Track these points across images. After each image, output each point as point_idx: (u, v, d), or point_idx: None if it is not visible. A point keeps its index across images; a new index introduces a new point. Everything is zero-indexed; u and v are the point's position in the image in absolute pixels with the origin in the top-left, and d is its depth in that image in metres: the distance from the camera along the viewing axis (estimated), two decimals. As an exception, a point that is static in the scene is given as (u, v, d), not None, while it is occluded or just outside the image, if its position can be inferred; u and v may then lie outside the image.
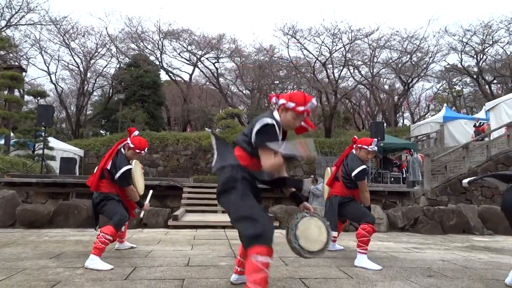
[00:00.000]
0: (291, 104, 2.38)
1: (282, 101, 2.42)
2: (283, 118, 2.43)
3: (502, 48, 25.40)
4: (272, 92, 30.24)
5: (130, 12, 42.88)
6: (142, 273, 3.27)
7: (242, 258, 2.79)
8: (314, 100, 2.42)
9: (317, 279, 3.20)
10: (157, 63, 27.74)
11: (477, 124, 17.17)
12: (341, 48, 24.28)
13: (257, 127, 2.30)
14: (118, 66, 28.09)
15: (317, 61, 25.19)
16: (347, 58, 24.85)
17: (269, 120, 2.30)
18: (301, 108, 2.37)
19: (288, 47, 25.06)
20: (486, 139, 14.03)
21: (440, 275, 3.54)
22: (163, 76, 31.68)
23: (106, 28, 25.57)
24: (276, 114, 2.45)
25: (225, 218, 7.72)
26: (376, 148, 4.19)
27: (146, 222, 7.04)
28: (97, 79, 27.98)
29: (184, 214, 8.15)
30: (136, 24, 25.45)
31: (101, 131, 32.69)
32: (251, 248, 2.08)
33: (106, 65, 27.59)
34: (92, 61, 26.26)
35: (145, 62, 26.66)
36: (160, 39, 25.87)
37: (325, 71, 25.68)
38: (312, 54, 25.10)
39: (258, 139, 2.30)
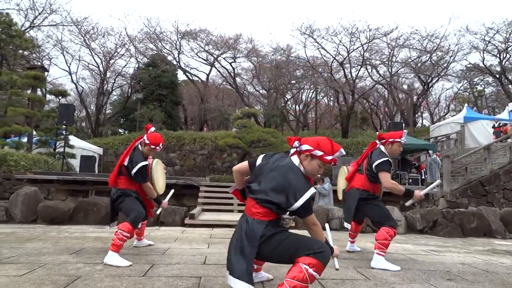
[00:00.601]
0: (319, 153, 2.32)
1: (306, 147, 2.35)
2: (307, 165, 2.36)
3: (527, 46, 24.67)
4: (289, 93, 30.33)
5: (148, 13, 43.67)
6: (160, 270, 3.31)
7: None
8: (342, 150, 2.38)
9: (334, 280, 3.17)
10: (175, 63, 28.07)
11: (496, 125, 16.72)
12: (359, 47, 24.06)
13: (304, 198, 2.21)
14: (136, 66, 28.57)
15: (334, 60, 25.01)
16: (365, 58, 24.59)
17: (312, 191, 2.24)
18: (329, 158, 2.32)
19: (305, 47, 25.01)
20: (509, 140, 13.65)
21: (460, 279, 3.46)
22: (181, 76, 32.07)
23: (125, 29, 26.16)
24: (296, 159, 2.38)
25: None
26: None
27: (163, 220, 7.12)
28: (116, 79, 28.52)
29: (200, 213, 8.21)
30: (154, 25, 25.85)
31: (120, 130, 33.26)
32: (306, 258, 2.10)
33: (125, 65, 28.13)
34: (112, 61, 26.79)
35: (163, 62, 27.00)
36: (178, 39, 26.16)
37: (342, 71, 25.48)
38: (330, 54, 24.94)
39: (305, 210, 2.27)
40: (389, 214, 4.06)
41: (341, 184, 4.76)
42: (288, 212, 2.33)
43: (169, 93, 28.64)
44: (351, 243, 4.76)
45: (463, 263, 4.31)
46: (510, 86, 26.59)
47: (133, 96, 28.81)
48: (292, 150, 2.42)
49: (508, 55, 25.28)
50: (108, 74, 27.31)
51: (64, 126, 13.09)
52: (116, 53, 26.47)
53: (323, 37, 24.22)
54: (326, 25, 30.35)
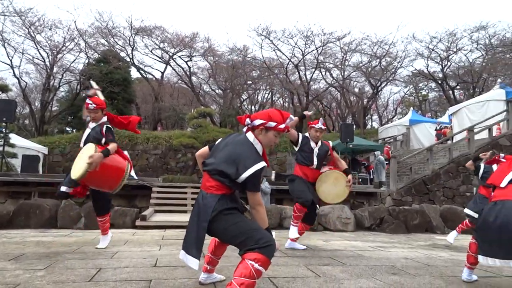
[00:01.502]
0: (272, 124, 2.42)
1: (259, 121, 2.43)
2: (263, 138, 2.45)
3: (465, 55, 26.61)
4: (245, 93, 30.46)
5: (100, 7, 41.77)
6: (107, 274, 3.18)
7: (212, 255, 2.79)
8: (291, 116, 2.49)
9: (285, 278, 3.22)
10: (128, 59, 27.15)
11: (437, 128, 17.86)
12: (313, 50, 24.68)
13: (253, 169, 2.27)
14: (86, 61, 27.22)
15: (290, 62, 25.48)
16: (319, 61, 25.28)
17: (262, 164, 2.31)
18: (282, 126, 2.44)
19: (261, 48, 25.25)
20: (449, 142, 14.63)
21: (404, 273, 3.65)
22: (134, 73, 31.05)
23: (74, 22, 24.74)
24: (250, 136, 2.45)
25: (195, 218, 7.64)
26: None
27: (113, 223, 6.86)
28: (64, 74, 26.98)
29: (152, 214, 8.00)
30: (106, 19, 24.80)
31: (67, 128, 31.53)
32: (251, 253, 2.11)
33: (74, 60, 26.67)
34: (59, 55, 25.32)
35: (115, 58, 25.99)
36: (131, 35, 25.34)
37: (297, 73, 26.01)
38: (285, 56, 25.38)
39: (252, 184, 2.32)
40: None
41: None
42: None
43: (121, 91, 27.59)
44: (291, 241, 4.86)
45: (406, 257, 4.55)
46: (450, 91, 28.50)
47: (83, 93, 27.43)
48: (245, 128, 2.51)
49: (449, 63, 27.11)
50: (55, 69, 25.80)
51: (4, 124, 12.19)
52: (64, 47, 25.05)
53: (279, 39, 24.60)
54: (282, 27, 30.89)
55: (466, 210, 5.70)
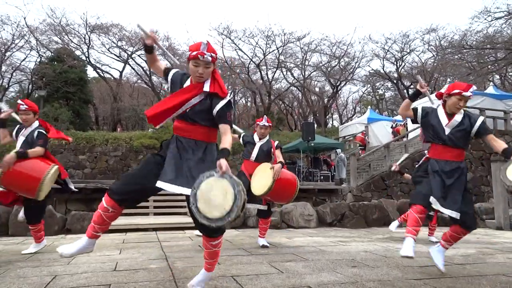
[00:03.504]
0: (188, 54, 2.44)
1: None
2: (188, 68, 2.50)
3: (418, 56, 27.99)
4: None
5: (52, 2, 39.76)
6: (64, 281, 3.05)
7: None
8: (205, 44, 2.41)
9: (248, 276, 3.24)
10: (84, 58, 26.12)
11: (393, 125, 18.63)
12: (274, 50, 24.94)
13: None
14: (38, 60, 25.91)
15: (251, 62, 25.59)
16: (280, 60, 25.57)
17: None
18: (193, 53, 2.38)
19: (222, 47, 25.15)
20: (405, 139, 15.28)
21: (363, 265, 3.78)
22: (91, 73, 29.95)
23: (24, 18, 23.31)
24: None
25: (156, 220, 7.50)
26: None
27: (70, 228, 6.59)
28: (14, 74, 25.52)
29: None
30: (59, 16, 23.69)
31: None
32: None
33: (25, 59, 25.32)
34: (8, 53, 23.89)
35: (70, 57, 24.90)
36: (87, 33, 24.39)
37: (259, 72, 26.18)
38: (247, 55, 25.48)
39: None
40: None
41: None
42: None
43: (77, 91, 26.46)
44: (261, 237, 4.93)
45: (365, 250, 4.72)
46: (405, 91, 29.82)
47: (35, 93, 26.06)
48: None
49: (403, 63, 28.38)
50: (4, 67, 24.30)
51: None
52: (13, 45, 23.68)
53: (240, 39, 24.64)
54: (243, 26, 30.87)
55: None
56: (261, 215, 4.91)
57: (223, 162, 2.17)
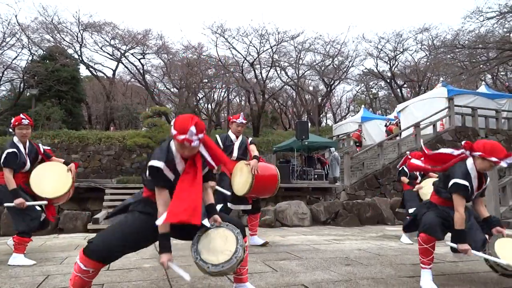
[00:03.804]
0: (173, 132, 2.13)
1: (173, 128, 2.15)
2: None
3: (411, 55, 28.17)
4: (201, 91, 30.12)
5: (44, 0, 39.38)
6: (56, 281, 3.03)
7: None
8: (193, 129, 2.07)
9: (242, 275, 3.23)
10: (76, 56, 25.89)
11: (387, 124, 18.75)
12: (268, 49, 24.91)
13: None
14: (30, 58, 25.61)
15: (245, 61, 25.55)
16: (274, 59, 25.56)
17: (155, 164, 2.17)
18: (181, 137, 2.08)
19: (216, 46, 25.08)
20: (398, 138, 15.37)
21: (357, 263, 3.80)
22: (83, 71, 29.70)
23: (15, 16, 23.15)
24: (172, 144, 2.26)
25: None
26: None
27: (63, 227, 6.54)
28: (5, 72, 25.22)
29: (105, 217, 7.71)
30: (51, 14, 23.47)
31: (10, 130, 29.54)
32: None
33: (16, 57, 25.01)
34: (-1, 51, 23.62)
35: (62, 55, 24.65)
36: (79, 31, 24.17)
37: (253, 71, 26.15)
38: (241, 54, 25.42)
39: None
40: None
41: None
42: None
43: (70, 89, 26.21)
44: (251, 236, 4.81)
45: (359, 249, 4.74)
46: (398, 90, 30.00)
47: (27, 92, 25.76)
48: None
49: (396, 62, 28.54)
50: (-5, 66, 24.06)
51: None
52: (4, 43, 23.39)
53: (234, 37, 24.58)
54: (237, 25, 30.95)
55: (410, 210, 5.60)
56: (249, 211, 4.77)
57: (217, 217, 2.36)
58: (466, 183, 2.88)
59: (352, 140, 19.72)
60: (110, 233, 2.27)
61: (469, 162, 2.96)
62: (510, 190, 8.66)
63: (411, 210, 5.62)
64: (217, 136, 4.88)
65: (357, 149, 17.70)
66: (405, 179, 5.94)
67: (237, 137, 4.80)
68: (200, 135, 2.12)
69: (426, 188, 5.34)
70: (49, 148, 4.36)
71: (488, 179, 3.10)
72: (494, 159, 2.81)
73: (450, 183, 2.95)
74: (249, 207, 4.66)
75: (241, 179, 4.33)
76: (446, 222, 3.00)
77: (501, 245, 2.80)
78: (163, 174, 2.18)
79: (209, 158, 2.29)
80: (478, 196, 3.09)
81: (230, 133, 4.85)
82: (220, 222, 2.35)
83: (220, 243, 2.24)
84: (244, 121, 4.81)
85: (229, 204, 4.59)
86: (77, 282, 2.21)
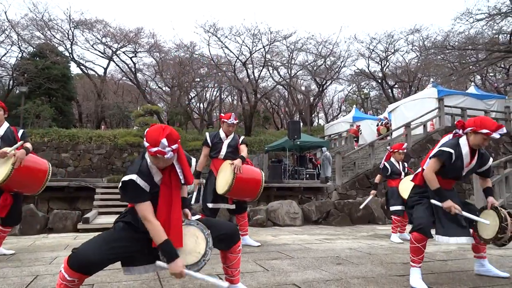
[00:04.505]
0: (146, 144, 2.10)
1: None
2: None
3: (402, 56, 28.42)
4: (193, 90, 30.00)
5: (34, -3, 38.74)
6: (45, 281, 2.99)
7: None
8: (164, 141, 2.04)
9: (234, 274, 3.23)
10: (67, 54, 25.64)
11: (378, 124, 18.92)
12: (260, 48, 24.93)
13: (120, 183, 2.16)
14: (20, 55, 25.31)
15: (237, 60, 25.53)
16: (267, 59, 25.59)
17: (127, 178, 2.12)
18: (153, 150, 2.05)
19: (209, 45, 25.04)
20: (389, 137, 15.50)
21: (348, 262, 3.82)
22: (74, 69, 29.41)
23: (5, 13, 22.68)
24: (147, 155, 2.20)
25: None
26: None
27: (52, 227, 6.47)
28: (-6, 69, 24.91)
29: (96, 216, 7.64)
30: (42, 10, 23.28)
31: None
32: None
33: (5, 54, 24.71)
34: (-13, 48, 23.30)
35: (53, 53, 24.39)
36: (70, 29, 23.99)
37: (245, 71, 26.14)
38: (233, 53, 25.41)
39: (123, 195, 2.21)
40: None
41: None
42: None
43: (60, 87, 25.93)
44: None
45: (350, 248, 4.76)
46: (389, 90, 30.23)
47: (16, 89, 25.47)
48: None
49: (387, 63, 28.77)
50: (-17, 63, 23.74)
51: None
52: (-7, 40, 23.09)
53: (226, 37, 24.56)
54: (229, 24, 30.82)
55: (392, 208, 5.70)
56: (235, 211, 4.72)
57: (188, 211, 2.31)
58: (451, 151, 2.96)
59: (351, 135, 19.83)
60: (95, 244, 2.14)
61: (462, 139, 3.06)
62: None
63: (392, 208, 5.70)
64: (207, 134, 4.87)
65: (355, 144, 17.92)
66: (378, 178, 6.00)
67: (227, 136, 4.77)
68: (174, 146, 2.09)
69: (405, 184, 5.36)
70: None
71: (491, 160, 3.18)
72: (485, 130, 2.90)
73: (435, 150, 3.07)
74: (231, 206, 4.60)
75: (223, 178, 4.32)
76: (434, 211, 3.08)
77: (485, 213, 3.08)
78: (138, 185, 2.11)
79: (181, 175, 2.26)
80: (482, 176, 3.22)
81: (221, 131, 4.81)
82: (190, 218, 2.28)
83: (189, 243, 2.17)
84: (235, 122, 4.76)
85: (209, 204, 4.57)
86: None
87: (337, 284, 2.98)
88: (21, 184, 3.85)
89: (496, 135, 2.92)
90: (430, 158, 3.10)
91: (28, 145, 3.95)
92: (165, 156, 2.06)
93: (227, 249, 2.44)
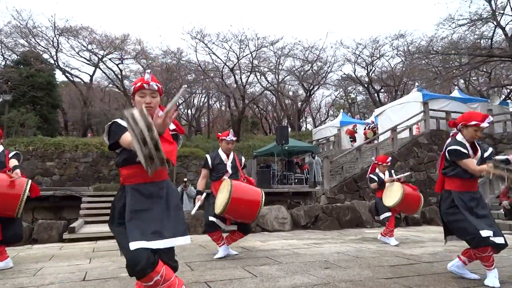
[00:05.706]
0: (131, 89, 2.30)
1: None
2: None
3: (387, 61, 28.81)
4: (180, 97, 29.78)
5: (18, 4, 38.34)
6: (29, 293, 2.94)
7: None
8: (147, 75, 2.22)
9: (222, 281, 3.22)
10: (52, 61, 25.32)
11: (366, 128, 19.11)
12: (248, 54, 25.01)
13: None
14: (3, 63, 24.93)
15: (225, 66, 25.56)
16: (254, 65, 25.68)
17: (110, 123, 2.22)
18: (138, 84, 2.22)
19: (196, 51, 25.02)
20: (376, 141, 15.66)
21: (336, 266, 3.84)
22: (59, 77, 29.02)
23: (-13, 20, 22.50)
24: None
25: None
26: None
27: (37, 237, 6.35)
28: (-23, 77, 24.44)
29: (82, 225, 7.53)
30: (26, 18, 22.90)
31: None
32: None
33: (-12, 62, 24.32)
34: (-30, 56, 22.89)
35: (37, 60, 24.05)
36: (55, 36, 23.68)
37: (233, 77, 26.17)
38: (220, 59, 25.43)
39: None
40: None
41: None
42: None
43: (45, 95, 25.54)
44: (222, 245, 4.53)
45: (338, 252, 4.79)
46: (375, 94, 30.59)
47: (0, 97, 25.02)
48: None
49: (373, 68, 29.14)
50: (-34, 71, 23.28)
51: None
52: (-25, 48, 22.71)
53: (213, 43, 24.58)
54: (216, 31, 30.90)
55: (382, 216, 5.82)
56: (238, 228, 4.51)
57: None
58: (460, 148, 3.21)
59: (338, 139, 19.96)
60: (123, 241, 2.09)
61: (459, 135, 3.33)
62: None
63: (382, 216, 5.82)
64: (207, 156, 4.67)
65: (352, 144, 18.07)
66: (375, 185, 6.06)
67: (227, 156, 4.63)
68: (158, 84, 2.23)
69: (388, 192, 5.61)
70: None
71: (490, 149, 3.35)
72: (473, 122, 3.18)
73: (446, 152, 3.28)
74: (230, 227, 4.45)
75: (221, 197, 4.15)
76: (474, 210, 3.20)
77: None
78: (121, 125, 2.13)
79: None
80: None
81: (220, 151, 4.65)
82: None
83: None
84: (234, 138, 4.66)
85: (210, 218, 4.36)
86: None
87: (325, 288, 2.99)
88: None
89: (484, 124, 3.18)
90: (457, 161, 3.23)
91: (14, 161, 4.02)
92: (149, 85, 2.19)
93: None
